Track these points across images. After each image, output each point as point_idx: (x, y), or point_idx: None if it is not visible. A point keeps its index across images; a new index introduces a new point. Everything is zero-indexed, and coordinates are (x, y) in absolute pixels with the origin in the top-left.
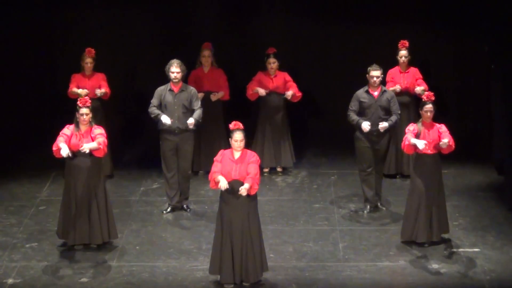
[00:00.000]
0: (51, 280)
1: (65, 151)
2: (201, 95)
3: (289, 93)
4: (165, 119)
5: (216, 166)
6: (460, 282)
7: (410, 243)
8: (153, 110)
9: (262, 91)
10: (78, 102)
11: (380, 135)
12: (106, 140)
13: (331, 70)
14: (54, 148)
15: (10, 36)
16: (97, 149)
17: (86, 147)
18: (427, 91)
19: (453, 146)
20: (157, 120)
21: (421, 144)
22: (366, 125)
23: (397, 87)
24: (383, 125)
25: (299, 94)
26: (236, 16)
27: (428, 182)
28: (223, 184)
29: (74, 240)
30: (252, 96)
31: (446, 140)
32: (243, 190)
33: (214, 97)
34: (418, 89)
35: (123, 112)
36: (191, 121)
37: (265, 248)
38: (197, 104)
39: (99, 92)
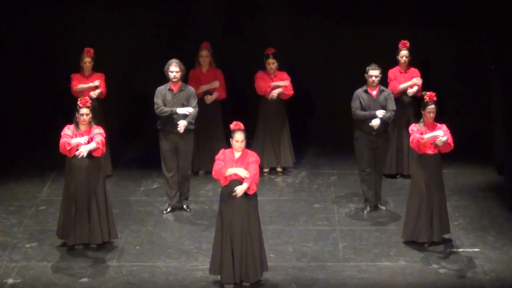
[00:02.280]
0: (51, 280)
1: (82, 140)
2: (205, 86)
3: (281, 83)
4: (183, 110)
5: (218, 164)
6: (460, 282)
7: (410, 243)
8: (163, 109)
9: (275, 93)
10: (78, 102)
11: (379, 134)
12: (104, 139)
13: (331, 70)
14: (67, 148)
15: (10, 36)
16: (95, 149)
17: (84, 149)
18: (421, 91)
19: (452, 145)
20: (170, 116)
21: (437, 133)
22: (380, 113)
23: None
24: (375, 122)
25: (288, 92)
26: (235, 16)
27: (429, 182)
28: (244, 173)
29: (74, 240)
30: (264, 91)
31: (445, 138)
32: (239, 190)
33: (208, 100)
34: (411, 91)
35: (123, 112)
36: (181, 124)
37: (265, 248)
38: (192, 104)
39: (93, 94)
